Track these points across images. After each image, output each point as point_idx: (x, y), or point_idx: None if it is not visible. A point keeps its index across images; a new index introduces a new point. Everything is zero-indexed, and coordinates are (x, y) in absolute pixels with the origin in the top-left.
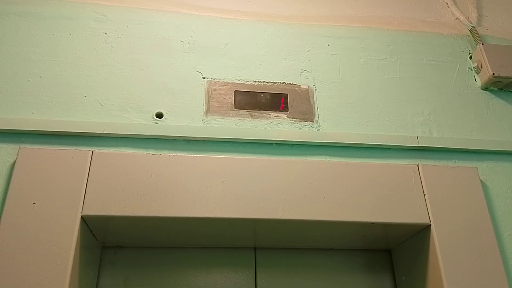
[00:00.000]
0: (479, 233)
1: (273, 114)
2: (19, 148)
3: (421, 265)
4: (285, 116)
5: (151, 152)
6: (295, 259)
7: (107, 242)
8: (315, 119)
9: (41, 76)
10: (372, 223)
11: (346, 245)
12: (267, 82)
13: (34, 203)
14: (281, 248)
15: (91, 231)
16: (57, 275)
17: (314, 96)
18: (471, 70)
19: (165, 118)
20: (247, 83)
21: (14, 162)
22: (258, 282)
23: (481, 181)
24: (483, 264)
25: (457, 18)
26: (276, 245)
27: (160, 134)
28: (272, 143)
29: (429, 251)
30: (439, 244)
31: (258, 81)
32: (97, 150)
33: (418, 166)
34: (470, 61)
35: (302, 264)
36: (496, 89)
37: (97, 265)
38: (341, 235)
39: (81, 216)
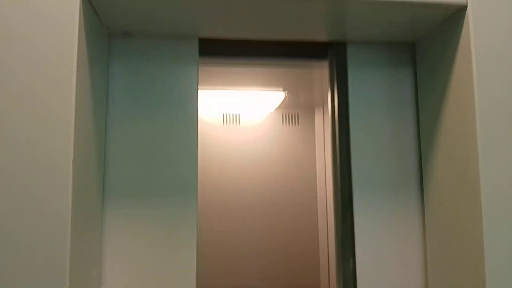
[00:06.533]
0: None
1: None
2: None
3: (447, 59)
4: None
5: None
6: None
7: (114, 26)
8: None
9: None
10: (403, 2)
11: (370, 37)
12: None
13: None
14: None
15: (95, 10)
16: (64, 51)
17: None
18: None
19: None
20: None
21: None
22: None
23: None
24: None
25: None
26: None
27: None
28: None
29: (460, 41)
30: (474, 32)
31: None
32: None
33: None
34: None
35: None
36: None
37: (106, 53)
38: (368, 20)
39: None
